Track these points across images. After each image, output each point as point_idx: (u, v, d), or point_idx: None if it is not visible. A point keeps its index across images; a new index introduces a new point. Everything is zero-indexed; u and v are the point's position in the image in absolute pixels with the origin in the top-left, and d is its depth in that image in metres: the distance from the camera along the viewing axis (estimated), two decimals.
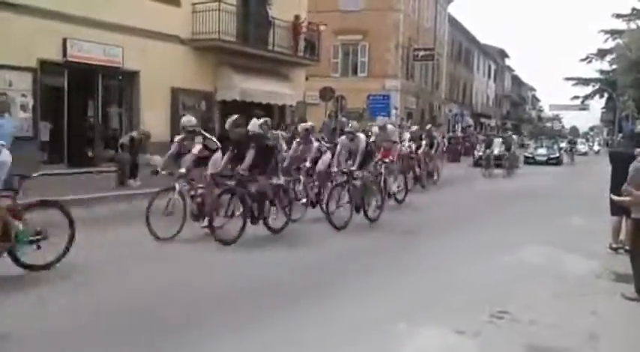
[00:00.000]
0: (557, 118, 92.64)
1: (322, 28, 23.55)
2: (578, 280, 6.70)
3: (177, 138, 9.11)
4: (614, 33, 47.57)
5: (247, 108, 19.31)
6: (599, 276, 6.93)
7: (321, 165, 10.71)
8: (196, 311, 5.19)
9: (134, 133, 14.05)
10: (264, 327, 4.82)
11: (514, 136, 37.29)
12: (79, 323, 4.79)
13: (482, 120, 61.21)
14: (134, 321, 4.89)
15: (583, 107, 61.10)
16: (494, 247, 8.34)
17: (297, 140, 10.96)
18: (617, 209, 8.08)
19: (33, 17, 13.67)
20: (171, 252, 7.53)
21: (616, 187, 8.01)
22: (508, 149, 23.75)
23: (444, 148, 32.99)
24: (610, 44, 48.77)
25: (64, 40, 14.56)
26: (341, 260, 7.52)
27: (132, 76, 16.72)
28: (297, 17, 21.98)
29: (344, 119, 26.13)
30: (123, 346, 4.41)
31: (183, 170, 8.42)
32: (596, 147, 54.90)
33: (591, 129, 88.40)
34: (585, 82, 56.54)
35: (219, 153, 8.89)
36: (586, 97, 59.04)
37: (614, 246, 8.25)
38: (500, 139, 25.58)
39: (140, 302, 5.37)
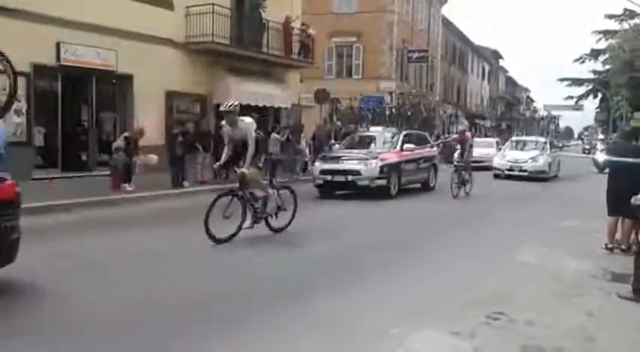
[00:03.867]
0: (551, 118, 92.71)
1: (311, 32, 23.37)
2: (574, 280, 6.70)
3: None
4: (606, 33, 47.83)
5: (242, 111, 19.30)
6: (595, 276, 6.93)
7: None
8: None
9: (127, 133, 13.91)
10: (258, 326, 4.82)
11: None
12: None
13: (477, 121, 61.34)
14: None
15: (577, 107, 61.30)
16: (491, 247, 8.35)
17: None
18: (615, 209, 8.09)
19: (26, 21, 13.63)
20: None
21: (616, 189, 8.01)
22: None
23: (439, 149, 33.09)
24: (603, 44, 49.05)
25: (58, 44, 14.52)
26: (335, 260, 7.50)
27: (126, 80, 16.67)
28: (287, 18, 21.99)
29: (339, 122, 26.20)
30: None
31: None
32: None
33: (585, 129, 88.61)
34: (579, 82, 56.76)
35: None
36: (580, 97, 59.30)
37: (609, 245, 8.27)
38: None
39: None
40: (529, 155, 21.44)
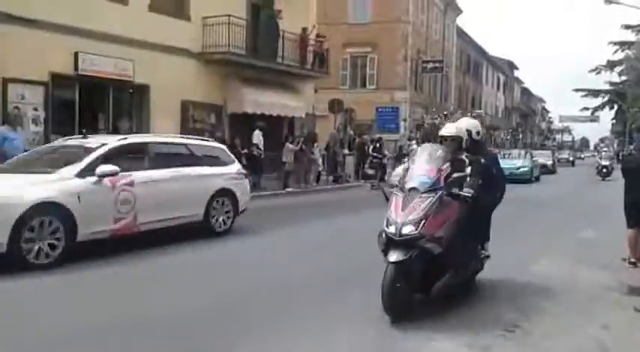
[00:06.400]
0: (566, 129, 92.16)
1: (325, 44, 23.41)
2: (591, 293, 6.65)
3: None
4: (623, 44, 47.61)
5: (256, 121, 19.45)
6: (612, 289, 6.86)
7: None
8: None
9: None
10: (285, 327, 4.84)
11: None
12: None
13: (491, 131, 61.10)
14: None
15: (593, 118, 61.00)
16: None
17: None
18: (635, 221, 7.95)
19: (45, 31, 13.83)
20: None
21: (632, 201, 7.93)
22: None
23: None
24: (619, 55, 48.81)
25: (76, 54, 14.69)
26: (347, 268, 7.50)
27: (142, 90, 16.83)
28: (304, 30, 22.11)
29: (352, 132, 26.26)
30: None
31: None
32: None
33: (602, 140, 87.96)
34: (595, 93, 56.49)
35: None
36: (596, 109, 58.99)
37: (632, 259, 8.03)
38: None
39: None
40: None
